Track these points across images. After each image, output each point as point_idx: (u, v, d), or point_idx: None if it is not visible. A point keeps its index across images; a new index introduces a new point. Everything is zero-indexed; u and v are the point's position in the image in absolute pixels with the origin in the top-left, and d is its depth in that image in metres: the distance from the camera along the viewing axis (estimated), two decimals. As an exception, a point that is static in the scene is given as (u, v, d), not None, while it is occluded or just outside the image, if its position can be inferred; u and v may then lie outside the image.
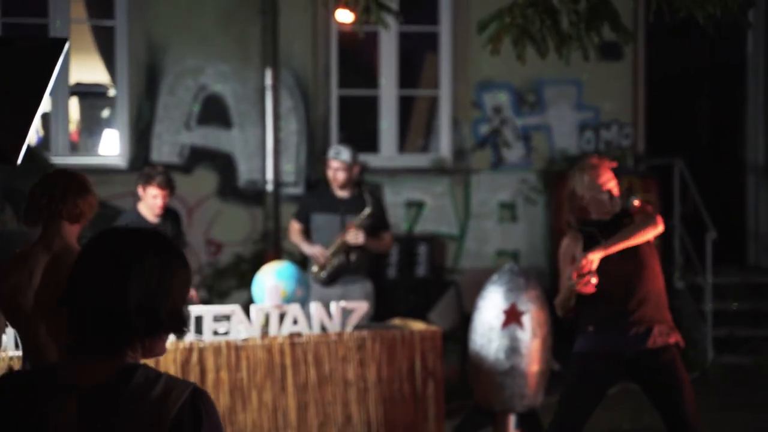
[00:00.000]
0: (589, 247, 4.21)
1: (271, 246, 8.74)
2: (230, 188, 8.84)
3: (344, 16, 7.38)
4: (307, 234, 6.13)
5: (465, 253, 9.11)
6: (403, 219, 9.07)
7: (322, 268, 5.87)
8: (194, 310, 4.82)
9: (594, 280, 4.06)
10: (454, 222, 9.15)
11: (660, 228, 4.20)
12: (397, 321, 5.51)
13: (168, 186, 5.66)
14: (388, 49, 9.10)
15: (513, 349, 5.19)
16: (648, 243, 4.24)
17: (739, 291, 8.76)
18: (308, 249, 5.98)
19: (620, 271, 4.17)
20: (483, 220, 9.15)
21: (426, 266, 8.87)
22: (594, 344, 4.19)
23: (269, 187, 8.75)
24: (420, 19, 9.25)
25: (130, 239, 1.84)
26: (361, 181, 8.87)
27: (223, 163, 8.82)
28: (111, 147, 8.86)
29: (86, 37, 9.01)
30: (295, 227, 6.21)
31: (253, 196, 8.83)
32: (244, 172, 8.86)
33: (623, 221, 4.26)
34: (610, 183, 4.31)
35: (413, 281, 8.83)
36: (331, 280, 5.90)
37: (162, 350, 1.85)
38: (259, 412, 4.76)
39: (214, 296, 8.64)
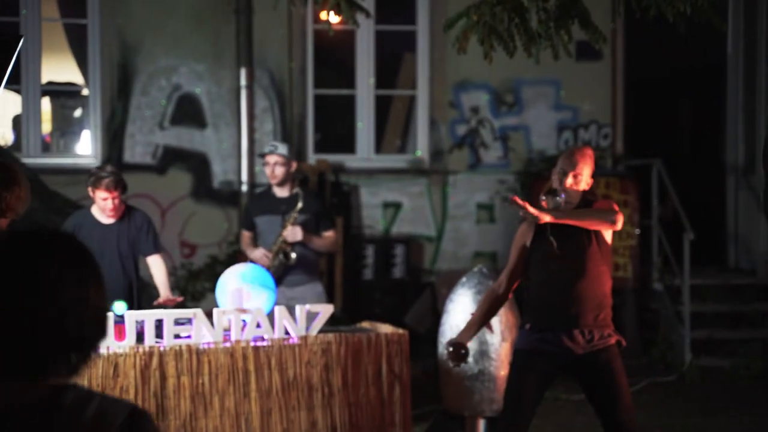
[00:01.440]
0: (538, 237, 4.15)
1: (246, 247, 8.63)
2: (204, 189, 8.74)
3: (332, 16, 7.25)
4: (256, 240, 6.03)
5: (442, 255, 9.04)
6: (380, 220, 8.98)
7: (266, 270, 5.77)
8: (155, 314, 4.72)
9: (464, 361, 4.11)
10: (431, 223, 9.07)
11: (618, 227, 4.10)
12: (365, 324, 5.42)
13: (117, 187, 5.36)
14: (364, 49, 9.01)
15: (482, 353, 5.11)
16: (600, 242, 4.16)
17: (718, 293, 8.70)
18: (251, 253, 5.87)
19: (562, 273, 4.10)
20: (460, 221, 9.08)
21: (403, 268, 8.79)
22: (532, 342, 4.14)
23: (244, 188, 8.66)
24: (397, 18, 9.17)
25: (40, 246, 1.70)
26: (333, 181, 8.80)
27: (197, 164, 8.72)
28: (84, 147, 8.76)
29: (59, 35, 8.90)
30: (245, 236, 6.10)
31: (228, 196, 8.74)
32: (219, 173, 8.76)
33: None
34: (582, 172, 4.17)
35: (390, 283, 8.75)
36: (288, 280, 5.78)
37: (86, 367, 1.71)
38: (221, 418, 4.65)
39: (188, 299, 8.54)
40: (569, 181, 4.14)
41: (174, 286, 8.63)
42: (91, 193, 5.46)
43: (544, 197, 4.11)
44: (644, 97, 10.12)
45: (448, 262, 8.99)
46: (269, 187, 6.11)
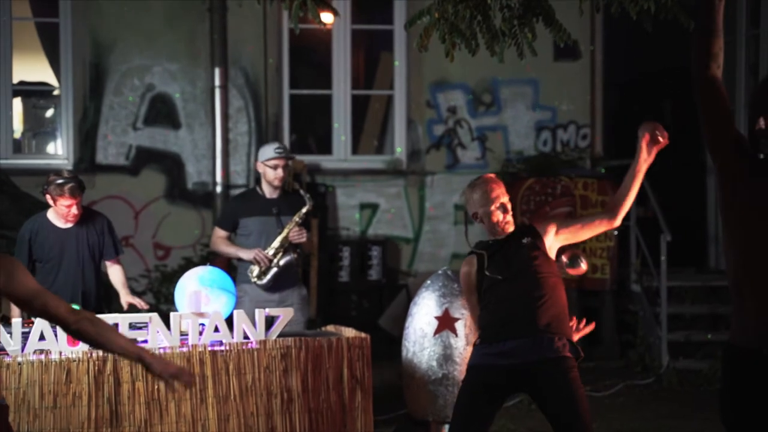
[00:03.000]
0: (482, 269, 4.06)
1: (220, 249, 8.52)
2: (178, 190, 8.64)
3: (326, 17, 7.13)
4: (241, 240, 5.89)
5: (419, 257, 8.95)
6: (357, 222, 8.89)
7: (264, 272, 5.65)
8: (109, 318, 4.61)
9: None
10: (408, 225, 8.98)
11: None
12: (330, 328, 5.32)
13: (81, 192, 5.28)
14: (341, 48, 8.92)
15: (446, 357, 5.01)
16: (544, 255, 4.09)
17: (697, 294, 8.61)
18: (248, 254, 5.69)
19: (512, 290, 4.01)
20: (438, 222, 8.98)
21: (379, 270, 8.69)
22: (482, 357, 4.01)
23: (218, 189, 8.56)
24: (374, 17, 9.08)
25: None
26: (308, 182, 8.70)
27: (171, 165, 8.62)
28: (56, 148, 8.65)
29: (31, 34, 8.79)
30: (220, 235, 5.90)
31: (202, 198, 8.63)
32: (193, 174, 8.66)
33: (521, 238, 4.11)
34: (503, 198, 4.17)
35: (366, 285, 8.65)
36: (274, 283, 5.67)
37: None
38: (178, 425, 4.55)
39: (162, 301, 8.44)
40: (507, 216, 4.12)
41: (147, 289, 8.56)
42: (51, 201, 5.32)
43: (568, 262, 4.15)
44: (624, 97, 10.04)
45: (425, 263, 8.90)
46: (254, 188, 5.98)
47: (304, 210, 5.67)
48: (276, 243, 5.66)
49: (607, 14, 8.45)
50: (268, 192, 5.79)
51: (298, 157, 8.76)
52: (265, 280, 5.67)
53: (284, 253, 5.67)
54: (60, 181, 5.22)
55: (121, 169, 8.52)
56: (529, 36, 4.71)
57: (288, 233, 5.65)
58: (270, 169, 5.74)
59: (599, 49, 9.08)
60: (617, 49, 9.27)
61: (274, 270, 5.66)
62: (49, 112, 8.89)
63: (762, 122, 3.13)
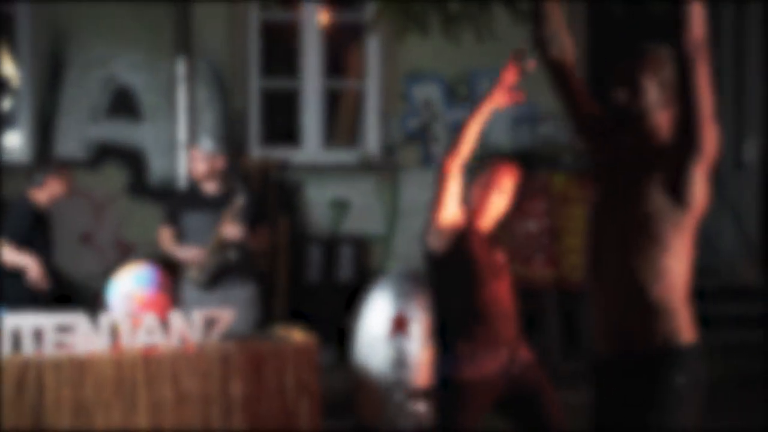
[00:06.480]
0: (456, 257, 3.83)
1: (185, 247, 8.22)
2: (141, 185, 8.32)
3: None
4: (180, 238, 5.63)
5: (393, 255, 8.62)
6: (328, 218, 8.57)
7: (201, 270, 5.38)
8: (34, 319, 4.30)
9: None
10: (381, 221, 8.66)
11: None
12: (280, 330, 5.00)
13: None
14: (311, 38, 8.60)
15: (399, 362, 4.69)
16: (503, 257, 3.83)
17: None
18: (183, 253, 5.49)
19: (492, 291, 3.72)
20: (412, 219, 8.64)
21: (351, 268, 8.37)
22: (477, 369, 3.68)
23: (183, 184, 8.24)
24: (346, 6, 8.75)
25: None
26: (278, 177, 8.39)
27: (133, 159, 8.30)
28: (13, 141, 8.32)
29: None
30: (166, 234, 5.70)
31: (166, 194, 8.30)
32: (156, 169, 8.34)
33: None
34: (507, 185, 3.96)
35: (337, 284, 8.33)
36: (212, 283, 5.41)
37: None
38: (106, 435, 4.25)
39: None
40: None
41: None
42: (54, 183, 5.76)
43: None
44: (607, 91, 9.72)
45: (399, 262, 8.57)
46: (195, 183, 5.76)
47: (237, 204, 5.40)
48: (214, 240, 5.43)
49: (591, 4, 8.18)
50: (207, 187, 5.61)
51: (267, 151, 8.45)
52: (202, 280, 5.45)
53: (220, 252, 5.41)
54: (57, 164, 5.89)
55: (81, 164, 8.19)
56: (485, 18, 4.43)
57: (221, 230, 5.39)
58: (190, 161, 5.74)
59: (581, 42, 8.75)
60: (602, 38, 8.96)
61: (208, 270, 5.43)
62: (6, 104, 8.56)
63: (619, 93, 3.00)
